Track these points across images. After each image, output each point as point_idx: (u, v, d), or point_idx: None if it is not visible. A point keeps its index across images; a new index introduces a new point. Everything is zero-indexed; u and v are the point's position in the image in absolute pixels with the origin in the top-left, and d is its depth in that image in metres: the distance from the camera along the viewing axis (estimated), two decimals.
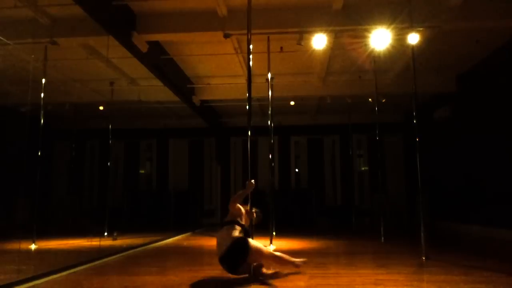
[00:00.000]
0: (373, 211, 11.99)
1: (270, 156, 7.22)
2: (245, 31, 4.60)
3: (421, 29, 6.29)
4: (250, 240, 3.79)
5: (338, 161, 13.33)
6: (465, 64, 8.93)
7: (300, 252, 5.90)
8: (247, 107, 4.43)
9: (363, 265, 4.74)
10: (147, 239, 7.47)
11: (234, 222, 3.91)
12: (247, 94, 4.45)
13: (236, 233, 3.83)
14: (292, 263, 4.01)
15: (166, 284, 3.66)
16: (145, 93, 10.15)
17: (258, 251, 3.73)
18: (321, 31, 6.51)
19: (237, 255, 3.69)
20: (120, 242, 7.34)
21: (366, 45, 7.06)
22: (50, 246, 6.80)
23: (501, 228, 7.66)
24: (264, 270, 3.92)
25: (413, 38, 5.74)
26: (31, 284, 3.60)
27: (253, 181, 4.14)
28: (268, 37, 6.87)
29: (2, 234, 8.81)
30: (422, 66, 8.12)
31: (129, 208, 12.62)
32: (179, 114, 12.83)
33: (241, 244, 3.71)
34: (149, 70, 7.90)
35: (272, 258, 3.91)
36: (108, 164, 10.73)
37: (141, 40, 6.89)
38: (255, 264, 3.80)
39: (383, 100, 9.69)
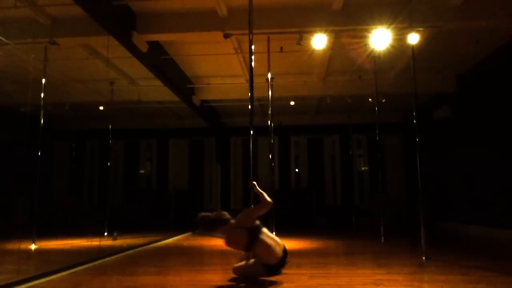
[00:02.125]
0: (373, 211, 11.98)
1: (270, 156, 7.22)
2: (245, 31, 4.60)
3: (421, 29, 6.29)
4: None
5: (338, 161, 13.33)
6: (465, 64, 8.93)
7: (300, 252, 5.90)
8: (249, 107, 4.43)
9: (363, 265, 4.74)
10: (147, 239, 7.47)
11: (262, 226, 3.86)
12: (249, 94, 4.45)
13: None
14: None
15: (166, 284, 3.66)
16: (145, 93, 10.15)
17: None
18: (321, 31, 6.50)
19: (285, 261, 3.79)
20: (120, 242, 7.34)
21: (366, 45, 7.06)
22: (50, 246, 6.80)
23: (501, 228, 7.66)
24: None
25: (413, 38, 5.74)
26: (31, 284, 3.60)
27: (255, 182, 4.14)
28: (268, 37, 6.87)
29: (2, 234, 8.81)
30: (422, 66, 8.12)
31: (129, 208, 12.62)
32: (179, 114, 12.83)
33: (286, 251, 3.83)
34: (149, 70, 7.90)
35: None
36: (108, 164, 10.73)
37: (141, 40, 6.88)
38: None
39: (383, 100, 9.68)
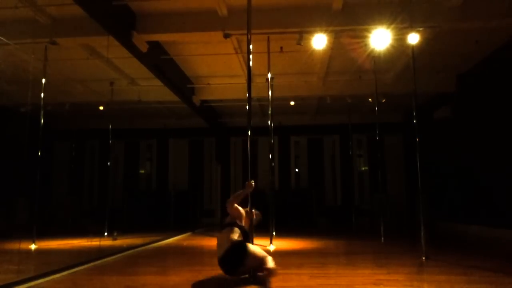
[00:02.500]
0: (373, 211, 11.99)
1: (270, 156, 7.21)
2: (245, 31, 4.60)
3: (421, 29, 6.29)
4: (249, 244, 3.76)
5: (338, 161, 13.33)
6: (465, 64, 8.93)
7: (300, 252, 5.90)
8: (247, 107, 4.42)
9: (363, 265, 4.74)
10: (147, 239, 7.47)
11: (233, 224, 3.90)
12: (247, 94, 4.45)
13: (236, 235, 3.80)
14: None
15: (166, 284, 3.66)
16: (145, 93, 10.15)
17: (256, 256, 3.69)
18: (321, 31, 6.51)
19: (235, 259, 3.67)
20: (120, 242, 7.34)
21: (366, 45, 7.06)
22: (50, 246, 6.80)
23: (501, 228, 7.67)
24: (259, 273, 3.82)
25: (413, 38, 5.74)
26: (31, 284, 3.60)
27: (252, 181, 4.13)
28: (268, 37, 6.87)
29: (2, 234, 8.81)
30: (422, 66, 8.12)
31: (129, 208, 12.62)
32: (179, 114, 12.83)
33: (239, 248, 3.68)
34: (149, 70, 7.91)
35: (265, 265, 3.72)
36: (108, 164, 10.73)
37: (141, 40, 6.89)
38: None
39: (383, 100, 9.69)
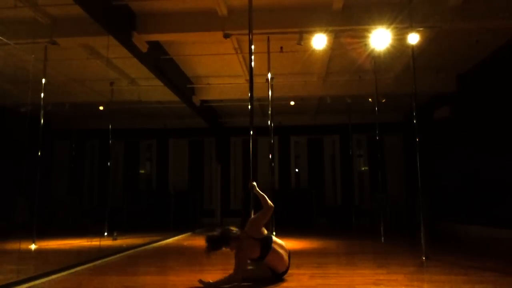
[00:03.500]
0: (373, 211, 11.99)
1: (270, 156, 7.22)
2: (245, 31, 4.60)
3: (421, 29, 6.29)
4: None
5: (338, 161, 13.33)
6: (465, 64, 8.93)
7: (300, 252, 5.90)
8: (249, 107, 4.42)
9: (363, 265, 4.74)
10: (147, 239, 7.47)
11: (270, 235, 3.82)
12: (249, 94, 4.44)
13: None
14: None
15: (166, 284, 3.66)
16: (145, 93, 10.15)
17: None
18: (321, 31, 6.51)
19: None
20: (120, 242, 7.34)
21: (366, 45, 7.06)
22: (50, 246, 6.80)
23: (501, 228, 7.67)
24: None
25: (413, 38, 5.74)
26: (31, 284, 3.60)
27: (255, 183, 4.13)
28: (268, 37, 6.87)
29: (2, 234, 8.82)
30: (422, 66, 8.12)
31: (129, 208, 12.62)
32: (179, 114, 12.83)
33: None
34: (149, 70, 7.90)
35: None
36: (108, 164, 10.72)
37: (141, 40, 6.89)
38: None
39: (383, 100, 9.69)
